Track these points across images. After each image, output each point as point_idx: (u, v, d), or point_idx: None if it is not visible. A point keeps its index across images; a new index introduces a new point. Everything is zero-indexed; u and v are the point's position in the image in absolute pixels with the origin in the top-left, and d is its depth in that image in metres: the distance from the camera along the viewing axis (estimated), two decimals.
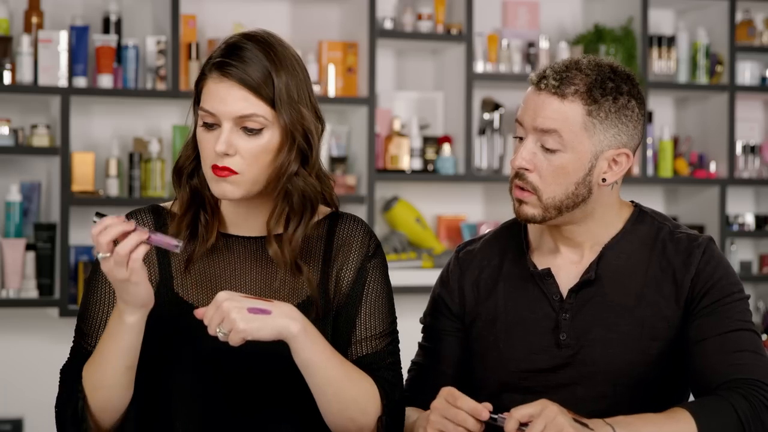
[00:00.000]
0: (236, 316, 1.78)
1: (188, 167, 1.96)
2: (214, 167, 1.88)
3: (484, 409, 1.80)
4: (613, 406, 1.94)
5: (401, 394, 1.95)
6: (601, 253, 2.02)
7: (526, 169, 1.97)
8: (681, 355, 1.98)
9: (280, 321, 1.81)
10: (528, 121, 1.97)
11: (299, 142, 1.90)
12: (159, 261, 1.96)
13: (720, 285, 1.98)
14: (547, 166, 1.96)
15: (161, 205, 2.02)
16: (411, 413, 2.01)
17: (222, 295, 1.80)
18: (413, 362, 2.16)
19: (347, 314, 1.96)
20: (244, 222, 1.98)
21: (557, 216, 1.98)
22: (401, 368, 1.98)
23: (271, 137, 1.89)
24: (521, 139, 1.99)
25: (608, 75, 1.97)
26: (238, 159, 1.88)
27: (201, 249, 1.95)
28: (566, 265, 2.04)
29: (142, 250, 1.79)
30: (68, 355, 1.96)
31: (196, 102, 1.94)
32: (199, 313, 1.82)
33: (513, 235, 2.10)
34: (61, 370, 1.94)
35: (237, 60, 1.87)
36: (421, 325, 2.17)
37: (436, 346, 2.12)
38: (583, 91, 1.95)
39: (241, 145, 1.88)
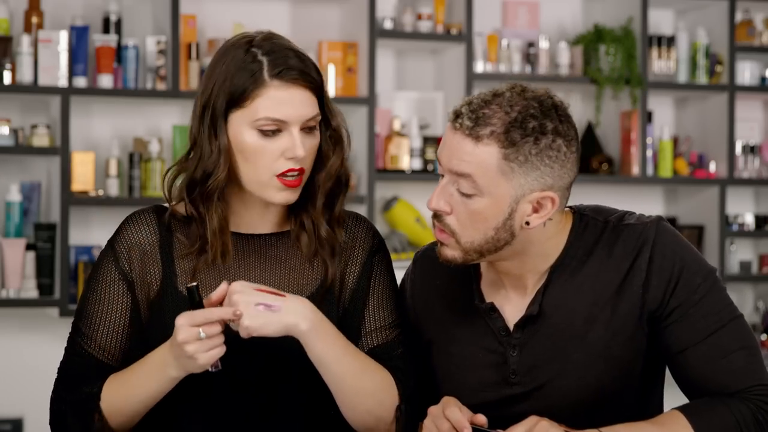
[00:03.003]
0: (243, 311, 1.78)
1: (219, 186, 1.90)
2: (288, 172, 1.87)
3: (468, 426, 1.78)
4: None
5: (415, 382, 1.93)
6: (547, 279, 1.89)
7: (443, 211, 1.84)
8: (650, 364, 1.89)
9: (288, 318, 1.80)
10: (444, 162, 1.84)
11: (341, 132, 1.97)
12: (162, 260, 1.95)
13: (682, 281, 1.85)
14: (463, 209, 1.82)
15: (164, 205, 2.00)
16: None
17: (235, 287, 1.80)
18: None
19: (355, 308, 1.96)
20: (253, 221, 1.97)
21: (479, 258, 1.86)
22: (411, 358, 1.95)
23: (318, 132, 1.93)
24: (443, 176, 1.86)
25: (531, 112, 1.79)
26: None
27: (209, 259, 1.94)
28: (512, 297, 1.92)
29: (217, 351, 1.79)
30: (64, 352, 1.94)
31: (214, 113, 1.88)
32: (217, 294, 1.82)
33: None
34: (58, 368, 1.93)
35: (296, 64, 1.88)
36: None
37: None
38: (500, 132, 1.78)
39: (306, 144, 1.89)
